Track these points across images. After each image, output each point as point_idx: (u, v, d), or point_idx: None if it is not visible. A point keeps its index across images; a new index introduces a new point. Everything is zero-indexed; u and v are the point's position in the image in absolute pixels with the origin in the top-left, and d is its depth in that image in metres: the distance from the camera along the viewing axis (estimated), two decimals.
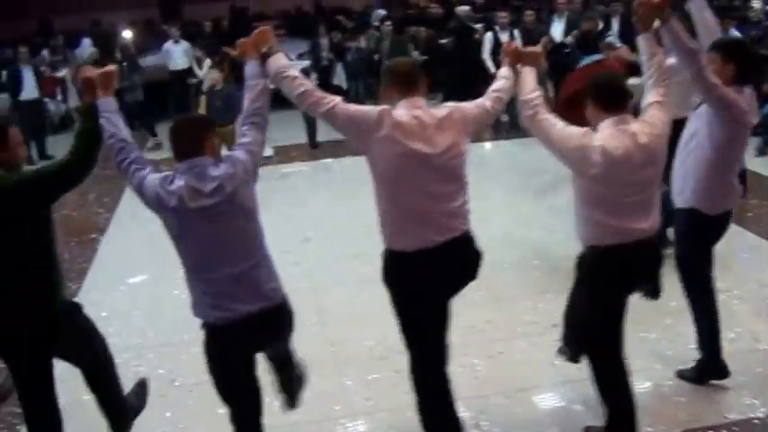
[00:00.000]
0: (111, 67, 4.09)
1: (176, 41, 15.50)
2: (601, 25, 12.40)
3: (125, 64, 14.03)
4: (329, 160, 11.85)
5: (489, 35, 12.82)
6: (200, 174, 3.64)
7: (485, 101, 4.32)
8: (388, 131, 3.90)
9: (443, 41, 16.84)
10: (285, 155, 12.47)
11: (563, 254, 7.57)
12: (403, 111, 3.99)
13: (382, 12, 19.00)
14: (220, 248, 3.69)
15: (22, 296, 3.92)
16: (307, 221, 9.18)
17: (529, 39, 12.68)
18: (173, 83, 15.54)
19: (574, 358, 4.80)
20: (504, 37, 12.59)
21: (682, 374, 5.34)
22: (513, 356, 5.86)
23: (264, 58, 4.04)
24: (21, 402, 4.20)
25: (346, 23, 18.77)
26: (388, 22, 15.78)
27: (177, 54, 15.41)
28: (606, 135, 4.05)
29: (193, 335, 5.75)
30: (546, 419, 5.05)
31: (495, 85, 4.44)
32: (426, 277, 4.09)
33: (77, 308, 4.26)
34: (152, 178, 3.73)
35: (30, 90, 13.54)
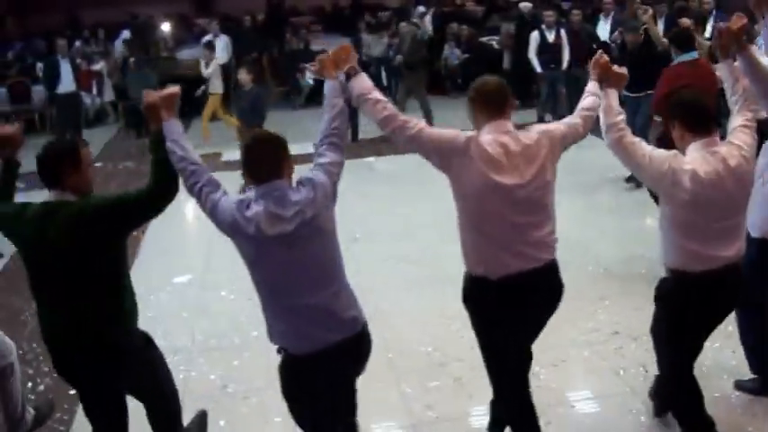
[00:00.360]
0: (175, 89, 3.89)
1: (216, 35, 15.35)
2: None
3: (132, 59, 13.98)
4: (372, 158, 11.68)
5: (536, 34, 12.62)
6: (280, 199, 3.46)
7: (575, 119, 4.15)
8: (473, 161, 3.74)
9: (484, 39, 16.76)
10: None
11: (615, 257, 7.43)
12: (489, 137, 3.81)
13: (422, 8, 18.76)
14: (299, 275, 3.51)
15: (89, 321, 3.73)
16: (353, 221, 9.00)
17: (575, 38, 12.58)
18: None
19: (658, 413, 4.75)
20: (550, 36, 12.41)
21: (740, 385, 5.14)
22: (576, 365, 5.68)
23: (347, 76, 3.91)
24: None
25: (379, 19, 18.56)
26: (428, 18, 15.69)
27: (217, 49, 15.21)
28: (696, 159, 3.89)
29: (244, 339, 5.63)
30: (613, 429, 4.87)
31: (585, 102, 4.25)
32: (508, 306, 3.93)
33: (148, 340, 4.07)
34: (227, 202, 3.52)
35: (67, 83, 13.50)
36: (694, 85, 6.11)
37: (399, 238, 8.12)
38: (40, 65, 14.13)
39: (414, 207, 9.26)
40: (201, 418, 4.65)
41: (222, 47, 15.31)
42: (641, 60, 9.44)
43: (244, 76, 10.52)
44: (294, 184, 3.54)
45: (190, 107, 15.22)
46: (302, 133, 13.52)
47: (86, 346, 3.75)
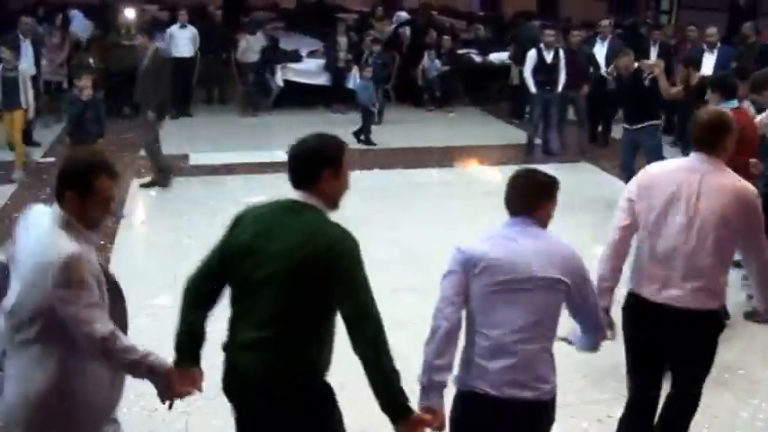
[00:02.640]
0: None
1: (183, 26, 14.29)
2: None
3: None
4: (357, 172, 10.77)
5: (533, 53, 11.97)
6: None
7: None
8: None
9: (463, 52, 16.10)
10: None
11: None
12: None
13: (404, 14, 17.96)
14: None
15: (275, 362, 3.14)
16: None
17: (573, 60, 11.99)
18: (175, 71, 14.25)
19: None
20: (548, 57, 11.80)
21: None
22: None
23: None
24: None
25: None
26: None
27: (182, 40, 14.22)
28: None
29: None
30: None
31: None
32: None
33: (330, 395, 3.31)
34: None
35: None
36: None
37: (400, 268, 7.31)
38: None
39: (411, 232, 8.44)
40: None
41: (188, 39, 14.28)
42: (634, 92, 9.33)
43: (85, 82, 9.09)
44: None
45: None
46: (271, 138, 12.77)
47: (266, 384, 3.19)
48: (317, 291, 3.10)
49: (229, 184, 10.36)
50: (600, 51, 12.80)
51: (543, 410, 3.33)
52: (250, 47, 14.49)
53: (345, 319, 3.10)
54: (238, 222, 3.33)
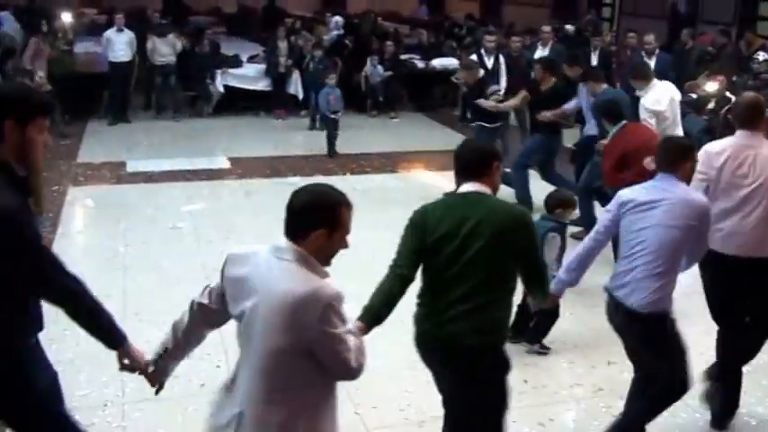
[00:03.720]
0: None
1: (120, 30, 13.99)
2: None
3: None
4: (296, 178, 10.64)
5: (473, 58, 11.91)
6: None
7: None
8: None
9: (406, 57, 16.09)
10: (244, 168, 11.23)
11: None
12: None
13: (339, 19, 17.84)
14: None
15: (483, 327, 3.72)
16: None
17: (514, 64, 12.00)
18: (112, 76, 14.02)
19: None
20: (489, 62, 11.77)
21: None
22: (565, 424, 5.21)
23: None
24: None
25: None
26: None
27: (120, 45, 13.91)
28: None
29: (186, 389, 4.58)
30: None
31: None
32: None
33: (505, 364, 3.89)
34: None
35: None
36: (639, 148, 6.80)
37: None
38: None
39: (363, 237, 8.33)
40: None
41: (126, 43, 13.98)
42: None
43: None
44: None
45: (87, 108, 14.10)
46: (212, 144, 12.60)
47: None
48: (511, 257, 3.73)
49: (168, 191, 10.14)
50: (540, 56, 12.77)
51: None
52: (156, 48, 14.14)
53: (526, 275, 3.84)
54: (424, 220, 3.82)
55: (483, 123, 10.28)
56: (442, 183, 10.49)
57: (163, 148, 12.35)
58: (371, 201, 9.85)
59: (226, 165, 11.48)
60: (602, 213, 4.67)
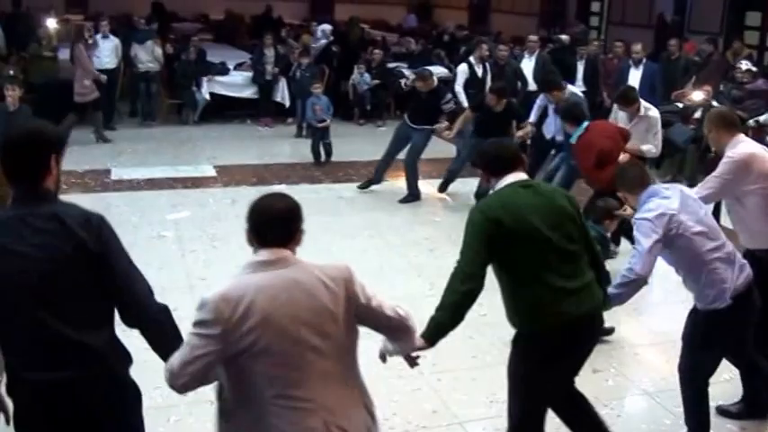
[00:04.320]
0: None
1: (105, 36, 13.89)
2: None
3: None
4: (282, 186, 10.58)
5: (464, 67, 11.94)
6: None
7: None
8: None
9: (394, 65, 16.05)
10: (230, 177, 11.16)
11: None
12: None
13: (327, 26, 17.76)
14: None
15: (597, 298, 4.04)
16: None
17: (500, 73, 12.00)
18: (96, 83, 13.89)
19: None
20: (479, 71, 11.78)
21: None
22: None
23: None
24: None
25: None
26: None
27: (105, 51, 13.79)
28: None
29: (171, 397, 4.40)
30: None
31: None
32: None
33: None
34: None
35: None
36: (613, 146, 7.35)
37: None
38: None
39: (337, 245, 8.28)
40: None
41: (111, 50, 13.89)
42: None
43: (14, 92, 8.75)
44: None
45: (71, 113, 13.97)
46: (198, 152, 12.51)
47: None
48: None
49: (153, 199, 10.04)
50: (527, 66, 12.78)
51: None
52: (137, 56, 14.04)
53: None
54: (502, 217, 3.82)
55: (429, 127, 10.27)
56: (428, 190, 10.48)
57: (148, 155, 12.22)
58: (358, 209, 9.80)
59: (211, 173, 11.39)
60: None
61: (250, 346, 2.79)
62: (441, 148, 11.27)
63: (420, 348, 3.55)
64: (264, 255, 2.93)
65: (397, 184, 10.85)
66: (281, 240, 2.96)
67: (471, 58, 11.92)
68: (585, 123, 7.73)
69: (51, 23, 15.22)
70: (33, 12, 16.90)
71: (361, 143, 13.52)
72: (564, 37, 15.79)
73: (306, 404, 2.84)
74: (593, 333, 4.10)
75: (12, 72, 12.55)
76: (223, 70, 14.85)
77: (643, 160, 7.40)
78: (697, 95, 11.27)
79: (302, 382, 2.85)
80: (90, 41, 13.25)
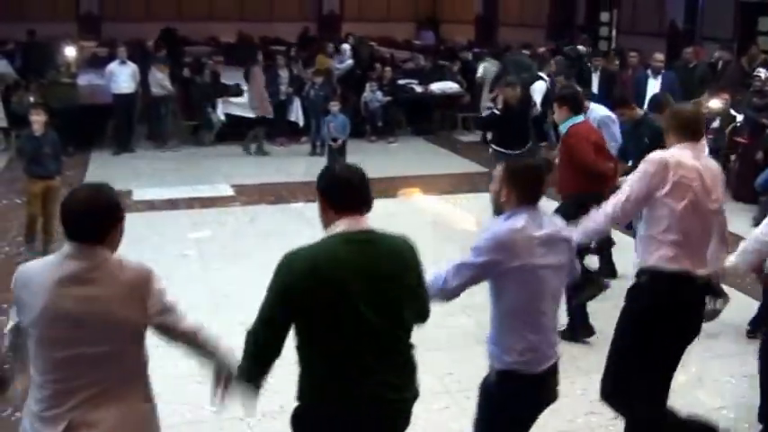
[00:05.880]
0: None
1: (122, 62, 14.14)
2: None
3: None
4: (299, 204, 10.69)
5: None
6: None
7: None
8: None
9: (405, 82, 16.19)
10: (248, 195, 11.35)
11: None
12: None
13: (347, 46, 17.89)
14: None
15: None
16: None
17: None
18: (115, 108, 14.17)
19: None
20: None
21: None
22: None
23: None
24: None
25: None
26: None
27: (123, 77, 14.06)
28: None
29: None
30: None
31: None
32: None
33: None
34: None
35: None
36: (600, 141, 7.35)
37: None
38: None
39: None
40: None
41: (128, 75, 14.12)
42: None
43: (39, 117, 8.76)
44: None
45: (91, 139, 14.20)
46: (215, 172, 12.66)
47: None
48: None
49: (174, 219, 10.24)
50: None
51: None
52: (155, 79, 14.36)
53: None
54: None
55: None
56: (443, 207, 10.53)
57: (166, 176, 12.46)
58: (374, 226, 9.88)
59: (229, 192, 11.57)
60: None
61: None
62: (457, 163, 11.28)
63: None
64: None
65: (412, 200, 10.92)
66: (89, 236, 3.14)
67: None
68: (581, 118, 7.43)
69: (71, 51, 15.48)
70: (48, 40, 17.14)
71: (373, 160, 13.59)
72: (581, 48, 15.83)
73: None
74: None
75: (32, 99, 12.76)
76: (237, 91, 15.03)
77: None
78: (715, 104, 11.05)
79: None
80: None
